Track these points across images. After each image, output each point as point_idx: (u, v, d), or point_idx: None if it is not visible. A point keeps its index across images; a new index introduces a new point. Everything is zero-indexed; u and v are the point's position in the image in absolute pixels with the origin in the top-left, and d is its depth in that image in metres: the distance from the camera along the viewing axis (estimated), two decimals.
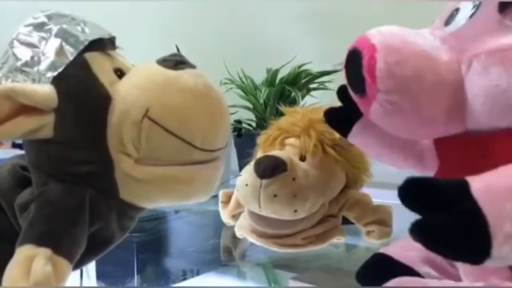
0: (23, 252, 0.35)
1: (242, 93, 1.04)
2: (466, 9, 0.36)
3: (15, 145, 1.43)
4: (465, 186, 0.28)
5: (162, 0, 1.44)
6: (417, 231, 0.28)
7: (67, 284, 0.37)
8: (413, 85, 0.34)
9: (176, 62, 0.40)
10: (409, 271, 0.40)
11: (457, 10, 0.37)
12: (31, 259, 0.34)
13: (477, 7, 0.35)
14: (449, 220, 0.27)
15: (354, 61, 0.36)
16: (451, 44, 0.35)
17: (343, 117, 0.48)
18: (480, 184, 0.28)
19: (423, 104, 0.34)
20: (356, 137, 0.47)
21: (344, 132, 0.48)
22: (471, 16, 0.35)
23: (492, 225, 0.26)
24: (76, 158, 0.39)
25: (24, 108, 0.37)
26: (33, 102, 0.37)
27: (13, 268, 0.35)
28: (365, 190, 0.63)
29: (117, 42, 0.44)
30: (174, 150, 0.39)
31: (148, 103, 0.38)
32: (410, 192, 0.28)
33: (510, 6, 0.33)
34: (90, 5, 1.08)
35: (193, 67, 0.41)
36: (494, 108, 0.32)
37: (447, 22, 0.37)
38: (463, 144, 0.36)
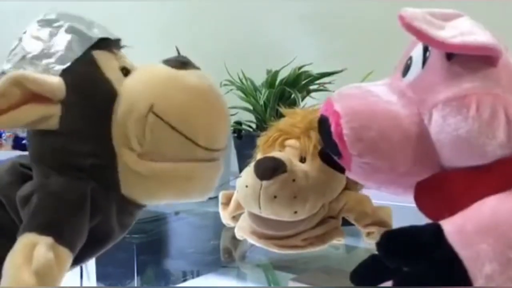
0: (24, 240, 0.36)
1: (242, 95, 1.04)
2: (417, 58, 0.37)
3: (15, 147, 1.43)
4: (439, 232, 0.29)
5: (162, 1, 1.44)
6: (403, 285, 0.29)
7: (66, 284, 0.37)
8: (381, 144, 0.35)
9: (181, 62, 0.42)
10: None
11: (410, 59, 0.38)
12: (32, 247, 0.35)
13: (426, 55, 0.36)
14: (429, 269, 0.29)
15: (324, 128, 0.38)
16: (409, 97, 0.37)
17: None
18: (452, 227, 0.29)
19: (395, 159, 0.36)
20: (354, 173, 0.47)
21: (341, 169, 0.47)
22: (423, 65, 0.36)
23: (471, 269, 0.28)
24: (80, 150, 0.39)
25: (33, 96, 0.38)
26: (43, 89, 0.38)
27: (14, 255, 0.35)
28: (365, 191, 0.62)
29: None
30: (177, 146, 0.40)
31: (153, 99, 0.39)
32: (389, 247, 0.30)
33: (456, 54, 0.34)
34: (90, 5, 1.08)
35: (197, 68, 0.42)
36: (459, 153, 0.34)
37: (404, 73, 0.38)
38: (433, 185, 0.37)
